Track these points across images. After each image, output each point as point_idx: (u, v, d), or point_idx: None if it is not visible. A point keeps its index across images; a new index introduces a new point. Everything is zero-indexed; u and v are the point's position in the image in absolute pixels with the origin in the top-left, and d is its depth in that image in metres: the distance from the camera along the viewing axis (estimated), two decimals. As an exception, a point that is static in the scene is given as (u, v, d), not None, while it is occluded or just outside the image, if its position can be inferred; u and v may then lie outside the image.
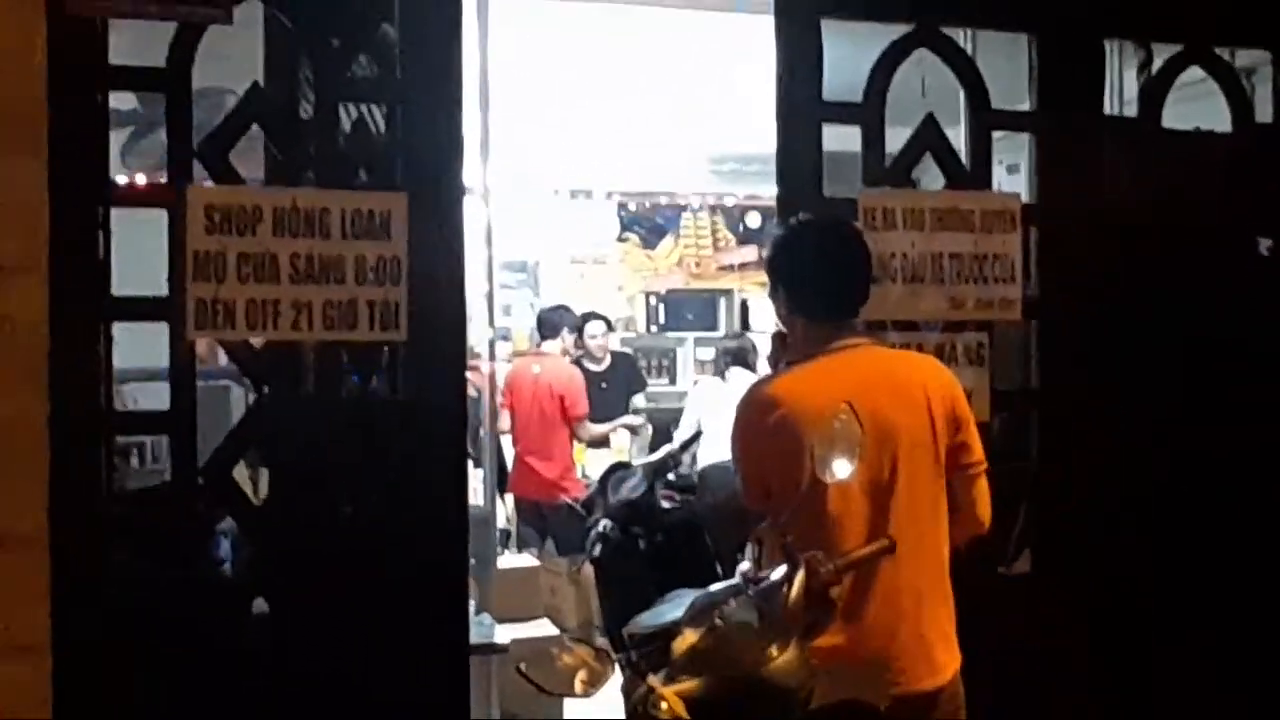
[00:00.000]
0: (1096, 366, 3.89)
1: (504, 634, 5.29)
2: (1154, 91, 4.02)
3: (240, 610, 3.28)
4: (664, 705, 2.28)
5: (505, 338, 11.68)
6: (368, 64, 3.38)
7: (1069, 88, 3.93)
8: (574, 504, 5.76)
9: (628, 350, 9.63)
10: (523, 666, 2.19)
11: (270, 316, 3.19)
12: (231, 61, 3.29)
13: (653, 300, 11.25)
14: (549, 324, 7.99)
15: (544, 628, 5.72)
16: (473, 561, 5.35)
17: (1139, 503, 3.88)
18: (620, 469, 5.47)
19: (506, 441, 7.72)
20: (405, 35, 3.37)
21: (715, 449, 5.79)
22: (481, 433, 5.98)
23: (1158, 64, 4.04)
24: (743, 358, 7.81)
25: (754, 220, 10.85)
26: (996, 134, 3.90)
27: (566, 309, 8.27)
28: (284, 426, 3.30)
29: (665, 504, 5.25)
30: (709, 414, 7.37)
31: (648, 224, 11.73)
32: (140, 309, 3.18)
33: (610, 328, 8.80)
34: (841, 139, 3.76)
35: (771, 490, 2.99)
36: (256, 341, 3.25)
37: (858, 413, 2.81)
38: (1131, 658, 3.81)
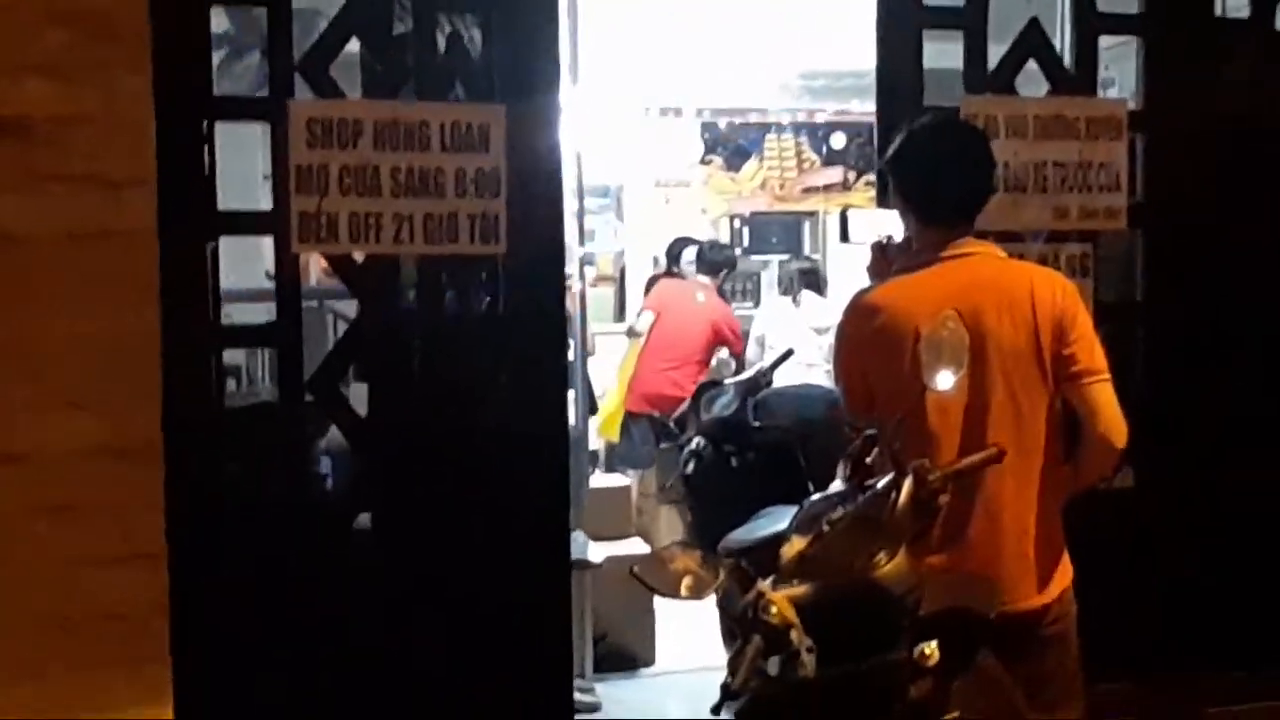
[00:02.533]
0: (1203, 277, 3.80)
1: (596, 553, 5.36)
2: (1267, -8, 3.89)
3: (345, 523, 3.33)
4: (774, 609, 2.28)
5: (589, 263, 11.70)
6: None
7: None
8: (667, 420, 5.76)
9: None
10: (635, 569, 2.21)
11: (372, 229, 3.22)
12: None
13: (736, 223, 11.15)
14: (710, 260, 7.97)
15: (634, 546, 5.77)
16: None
17: (1244, 417, 3.80)
18: (712, 387, 5.46)
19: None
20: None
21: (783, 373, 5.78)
22: (572, 354, 5.99)
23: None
24: (814, 281, 7.75)
25: (838, 141, 10.69)
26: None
27: (729, 249, 8.30)
28: (388, 341, 3.32)
29: (758, 422, 5.23)
30: (776, 336, 7.35)
31: (731, 146, 11.60)
32: (246, 223, 3.21)
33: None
34: (941, 56, 3.68)
35: (875, 400, 2.96)
36: (358, 255, 3.27)
37: (962, 320, 2.80)
38: (1234, 572, 3.75)
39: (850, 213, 3.47)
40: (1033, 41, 3.70)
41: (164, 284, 3.02)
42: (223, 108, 3.22)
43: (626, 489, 6.25)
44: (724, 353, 7.89)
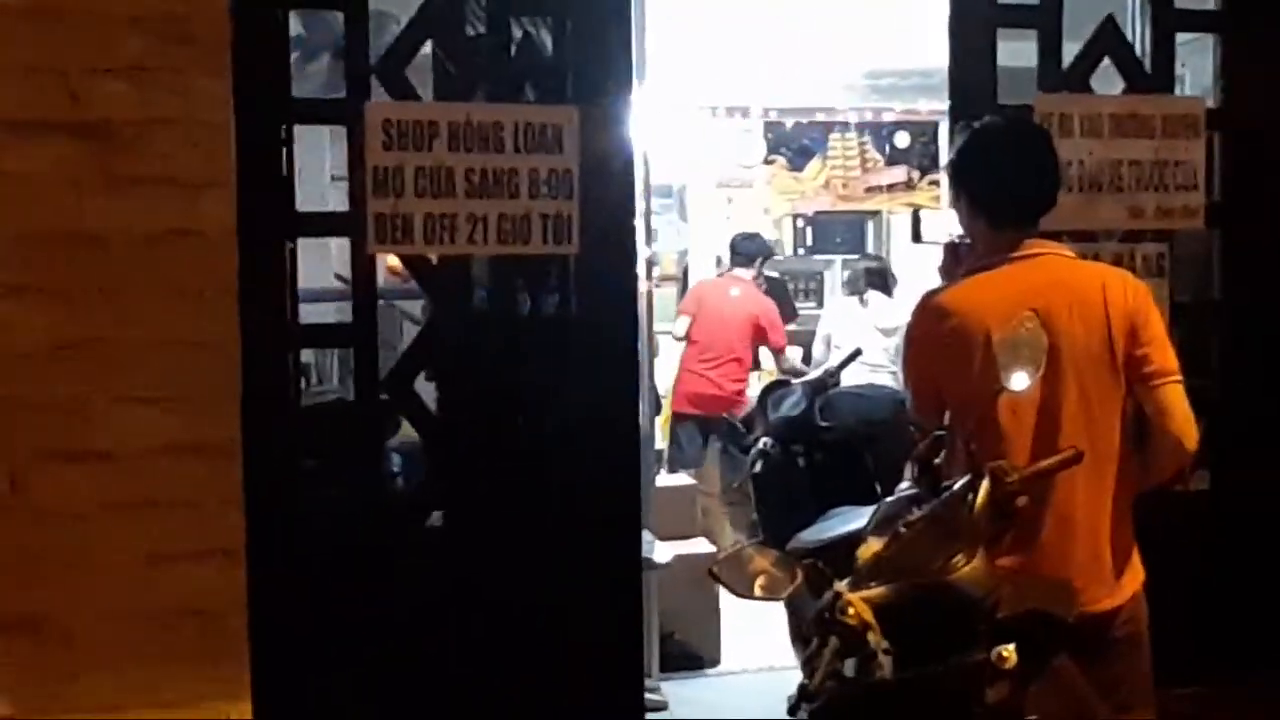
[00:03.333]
0: (1282, 276, 3.75)
1: (662, 552, 5.36)
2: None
3: (418, 521, 3.36)
4: (851, 610, 2.28)
5: (654, 263, 11.70)
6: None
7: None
8: (735, 420, 5.76)
9: (778, 275, 9.58)
10: (714, 568, 2.22)
11: (447, 230, 3.24)
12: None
13: (799, 223, 11.12)
14: (744, 251, 7.98)
15: (699, 546, 5.77)
16: (633, 479, 5.42)
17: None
18: (779, 386, 5.45)
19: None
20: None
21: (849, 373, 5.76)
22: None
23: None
24: (881, 281, 7.70)
25: (902, 140, 10.62)
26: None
27: (760, 238, 8.28)
28: (461, 341, 3.34)
29: (824, 422, 5.22)
30: (842, 336, 7.33)
31: (794, 145, 11.55)
32: (323, 224, 3.25)
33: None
34: (1015, 54, 3.66)
35: (944, 402, 2.95)
36: (433, 256, 3.30)
37: (1034, 322, 2.78)
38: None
39: (922, 213, 3.46)
40: (1108, 39, 3.66)
41: (243, 284, 3.09)
42: (301, 110, 3.26)
43: (691, 489, 6.25)
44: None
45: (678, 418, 7.58)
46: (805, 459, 5.12)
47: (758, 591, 2.26)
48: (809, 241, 10.95)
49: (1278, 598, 3.69)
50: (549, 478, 3.38)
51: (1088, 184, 3.63)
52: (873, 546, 2.52)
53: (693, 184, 11.38)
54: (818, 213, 10.82)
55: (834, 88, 9.46)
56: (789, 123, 10.96)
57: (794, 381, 5.46)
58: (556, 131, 3.30)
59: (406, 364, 3.32)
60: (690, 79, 8.87)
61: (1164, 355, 2.91)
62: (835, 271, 10.70)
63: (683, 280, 10.80)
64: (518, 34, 3.52)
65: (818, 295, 10.62)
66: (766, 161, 11.35)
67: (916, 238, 5.24)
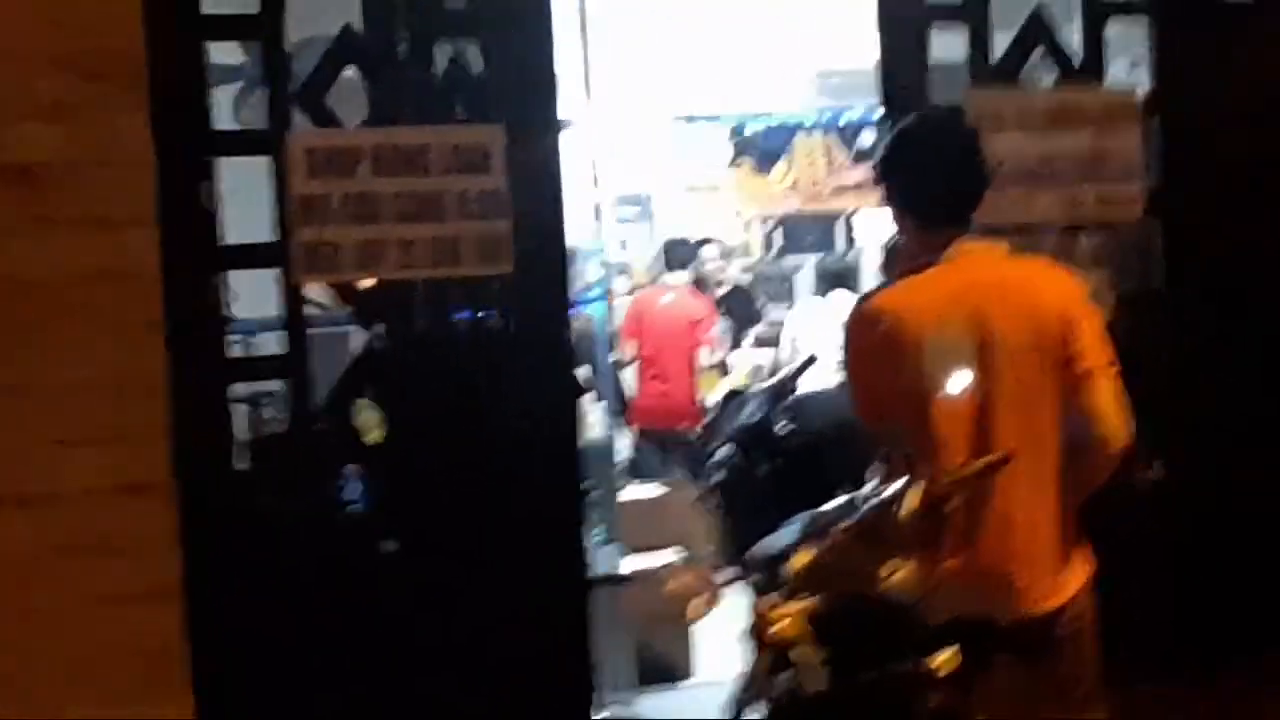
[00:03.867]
0: (1226, 264, 3.72)
1: (631, 564, 5.33)
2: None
3: (363, 550, 3.33)
4: (775, 626, 2.26)
5: (623, 272, 11.71)
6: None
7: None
8: (690, 438, 5.75)
9: (742, 284, 9.58)
10: (636, 590, 2.19)
11: (376, 256, 3.22)
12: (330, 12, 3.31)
13: (769, 225, 11.15)
14: (675, 255, 7.97)
15: (669, 557, 5.74)
16: (598, 492, 5.40)
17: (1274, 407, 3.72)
18: (737, 395, 5.42)
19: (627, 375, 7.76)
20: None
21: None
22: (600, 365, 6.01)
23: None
24: (844, 279, 7.68)
25: (867, 139, 10.65)
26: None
27: (685, 242, 8.26)
28: (396, 365, 3.31)
29: (783, 428, 5.18)
30: (805, 336, 7.31)
31: (760, 148, 11.57)
32: (250, 257, 3.22)
33: (725, 254, 8.75)
34: (947, 48, 3.65)
35: (884, 406, 2.93)
36: (365, 282, 3.27)
37: (962, 322, 2.76)
38: (1270, 566, 3.67)
39: (854, 217, 3.44)
40: (1038, 31, 3.64)
41: (171, 321, 3.07)
42: (222, 143, 3.23)
43: (658, 499, 6.23)
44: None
45: (640, 433, 7.61)
46: (767, 466, 5.09)
47: (689, 612, 2.25)
48: (779, 244, 10.97)
49: (1235, 589, 3.66)
50: (492, 496, 3.35)
51: (1024, 178, 3.60)
52: (804, 557, 2.51)
53: (659, 190, 11.39)
54: (787, 215, 10.84)
55: (791, 89, 9.49)
56: (753, 126, 10.97)
57: (750, 389, 5.43)
58: (483, 151, 3.27)
59: (340, 394, 3.29)
60: (651, 86, 8.89)
61: (1098, 352, 2.89)
62: (808, 273, 10.71)
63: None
64: (446, 56, 3.49)
65: (790, 297, 10.62)
66: (733, 165, 11.36)
67: (851, 241, 5.18)
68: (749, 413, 5.18)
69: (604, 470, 5.75)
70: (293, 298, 3.23)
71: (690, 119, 10.76)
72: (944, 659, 2.44)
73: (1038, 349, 2.85)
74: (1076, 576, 2.89)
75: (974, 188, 2.98)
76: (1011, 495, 2.81)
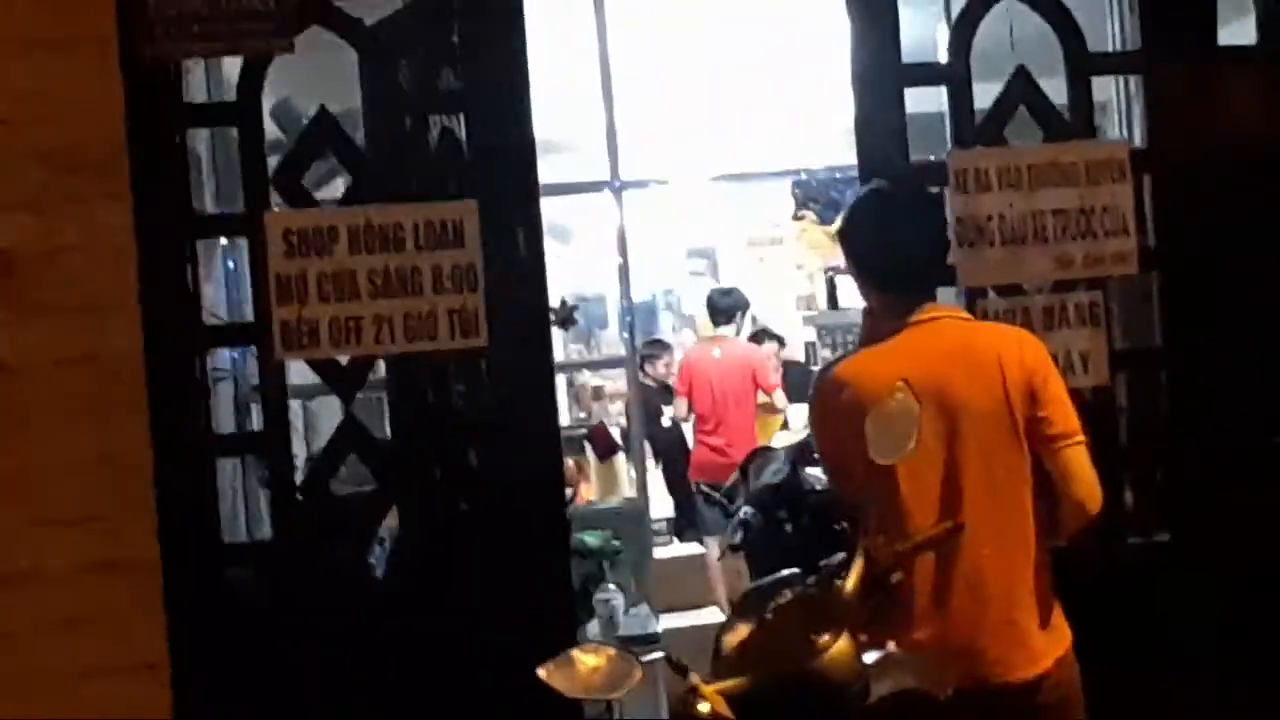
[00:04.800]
0: (1226, 316, 3.62)
1: (668, 624, 5.32)
2: (1274, 13, 3.72)
3: (354, 621, 3.36)
4: (704, 706, 2.23)
5: (690, 327, 11.76)
6: (430, 72, 3.42)
7: (1176, 20, 3.67)
8: (712, 492, 5.73)
9: (801, 361, 9.59)
10: (542, 672, 2.19)
11: (353, 332, 3.28)
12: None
13: (832, 276, 11.14)
14: (721, 308, 7.99)
15: (709, 616, 5.73)
16: (625, 554, 5.42)
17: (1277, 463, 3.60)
18: (762, 452, 5.40)
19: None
20: (465, 42, 3.40)
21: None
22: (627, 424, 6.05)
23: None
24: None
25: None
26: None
27: (737, 291, 8.27)
28: (374, 441, 3.37)
29: (814, 486, 5.15)
30: None
31: (823, 199, 11.55)
32: (231, 335, 3.30)
33: (782, 344, 8.77)
34: (930, 100, 3.63)
35: (852, 474, 2.91)
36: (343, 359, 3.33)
37: (925, 389, 2.72)
38: (1270, 623, 3.54)
39: (838, 278, 3.43)
40: (1020, 90, 3.61)
41: (153, 401, 3.15)
42: (202, 225, 3.32)
43: (699, 558, 6.22)
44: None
45: (698, 488, 7.60)
46: (792, 524, 5.05)
47: (595, 691, 2.22)
48: (841, 294, 10.93)
49: (1236, 648, 3.53)
50: (477, 576, 3.37)
51: (1011, 237, 3.56)
52: (739, 633, 2.47)
53: (723, 244, 11.43)
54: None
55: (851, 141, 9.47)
56: (816, 178, 10.94)
57: (776, 447, 5.41)
58: (457, 226, 3.32)
59: (320, 469, 3.35)
60: (712, 147, 8.95)
61: (1064, 417, 2.86)
62: (866, 322, 10.61)
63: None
64: (434, 130, 3.56)
65: (854, 347, 10.57)
66: (796, 218, 11.35)
67: (833, 303, 5.08)
68: (773, 470, 5.16)
69: (635, 530, 5.78)
70: (274, 374, 3.30)
71: (752, 176, 10.79)
72: (888, 735, 2.39)
73: (1004, 415, 2.83)
74: (1055, 644, 2.84)
75: (932, 253, 2.98)
76: (981, 562, 2.78)
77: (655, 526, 6.70)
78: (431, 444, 3.42)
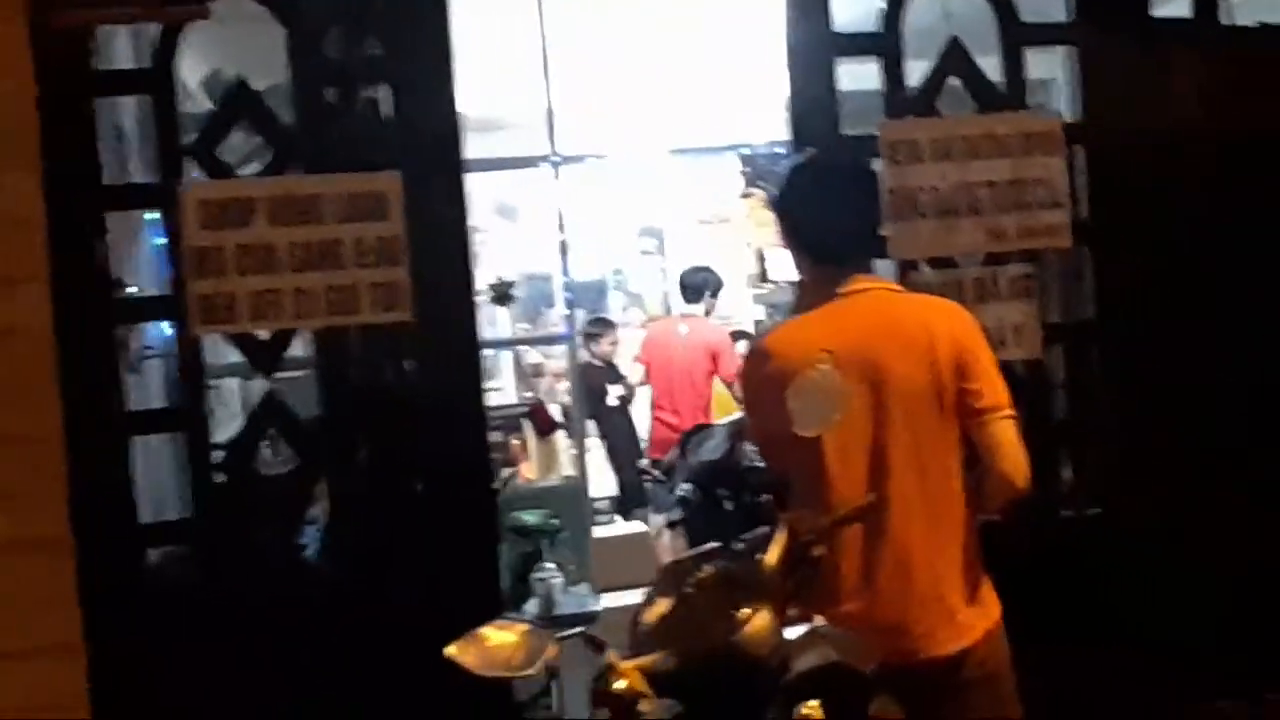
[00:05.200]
0: (1158, 292, 3.61)
1: (610, 603, 5.28)
2: (1208, -13, 3.71)
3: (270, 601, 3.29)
4: (618, 682, 2.19)
5: (639, 306, 11.69)
6: (355, 44, 3.35)
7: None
8: (650, 469, 5.69)
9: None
10: (450, 650, 2.13)
11: (272, 306, 3.20)
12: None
13: (761, 249, 11.10)
14: (691, 287, 7.91)
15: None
16: (565, 533, 5.37)
17: (1209, 438, 3.59)
18: (700, 430, 5.35)
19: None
20: (389, 12, 3.33)
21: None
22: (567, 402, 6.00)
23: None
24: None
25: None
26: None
27: (708, 270, 8.20)
28: (296, 418, 3.30)
29: (753, 462, 5.11)
30: None
31: (771, 178, 11.47)
32: (146, 309, 3.22)
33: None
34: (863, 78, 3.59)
35: (778, 444, 2.88)
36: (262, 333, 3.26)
37: (851, 361, 2.70)
38: (1201, 598, 3.54)
39: (766, 251, 3.39)
40: (953, 61, 3.57)
41: (65, 377, 3.06)
42: (115, 196, 3.23)
43: (642, 535, 6.18)
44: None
45: (653, 465, 7.54)
46: (733, 501, 5.01)
47: (507, 669, 2.17)
48: (770, 268, 10.90)
49: (1165, 622, 3.53)
50: (404, 555, 3.31)
51: (943, 209, 3.53)
52: (658, 608, 2.43)
53: (671, 223, 11.34)
54: (795, 243, 10.73)
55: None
56: (761, 155, 10.89)
57: (715, 424, 5.37)
58: (380, 198, 3.25)
59: (241, 445, 3.27)
60: (656, 122, 8.87)
61: (993, 390, 2.83)
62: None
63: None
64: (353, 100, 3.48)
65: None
66: (744, 195, 11.29)
67: (763, 276, 5.07)
68: (712, 446, 5.12)
69: (575, 509, 5.73)
70: (190, 349, 3.22)
71: (698, 151, 10.74)
72: (809, 710, 2.36)
73: (933, 388, 2.79)
74: (983, 619, 2.81)
75: (864, 225, 2.94)
76: (909, 537, 2.75)
77: (598, 505, 6.65)
78: (358, 422, 3.35)
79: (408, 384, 3.42)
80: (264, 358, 3.28)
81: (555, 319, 10.54)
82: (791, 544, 2.45)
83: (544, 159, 5.81)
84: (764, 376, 2.83)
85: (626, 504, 7.12)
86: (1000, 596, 2.83)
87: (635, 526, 6.46)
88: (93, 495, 3.07)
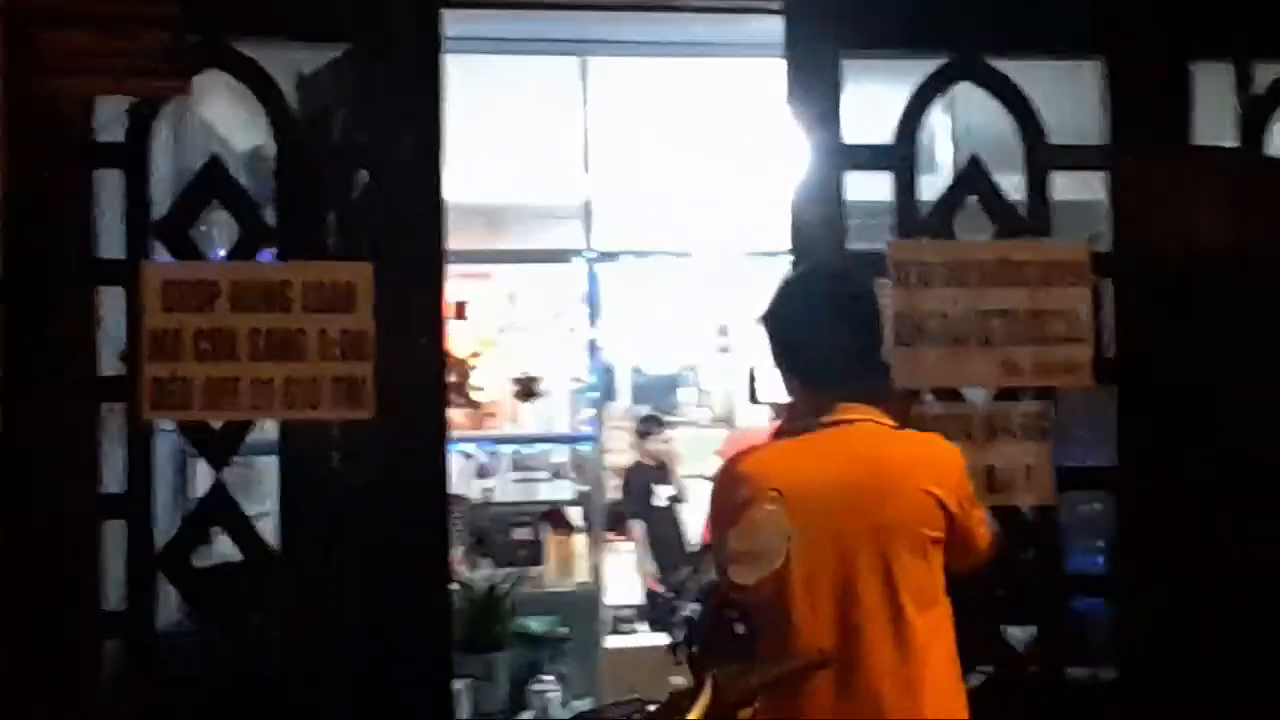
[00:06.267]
0: (1191, 440, 3.31)
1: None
2: (1256, 116, 3.45)
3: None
4: None
5: (707, 405, 11.46)
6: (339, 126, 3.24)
7: (1149, 117, 3.40)
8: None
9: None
10: None
11: (229, 394, 3.06)
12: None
13: (752, 368, 10.89)
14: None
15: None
16: (572, 642, 5.14)
17: (1245, 600, 3.27)
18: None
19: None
20: (377, 94, 3.21)
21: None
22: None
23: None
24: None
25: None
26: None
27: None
28: (242, 513, 3.14)
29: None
30: None
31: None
32: (96, 390, 3.09)
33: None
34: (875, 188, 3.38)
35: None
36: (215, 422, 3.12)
37: (825, 497, 2.50)
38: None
39: (757, 371, 3.17)
40: (972, 179, 3.35)
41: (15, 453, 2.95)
42: (79, 271, 3.12)
43: (655, 649, 5.92)
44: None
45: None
46: (744, 624, 4.75)
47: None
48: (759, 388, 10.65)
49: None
50: (354, 660, 3.13)
51: (954, 337, 3.29)
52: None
53: (736, 323, 11.10)
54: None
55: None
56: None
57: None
58: (349, 289, 3.11)
59: (183, 535, 3.12)
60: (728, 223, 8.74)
61: (980, 536, 2.66)
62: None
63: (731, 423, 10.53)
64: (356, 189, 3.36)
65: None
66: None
67: (753, 398, 4.85)
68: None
69: (587, 617, 5.50)
70: (140, 434, 3.08)
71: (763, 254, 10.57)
72: None
73: (914, 533, 2.56)
74: None
75: (858, 349, 2.69)
76: (882, 698, 2.49)
77: (621, 614, 6.39)
78: (315, 517, 3.18)
79: (368, 480, 3.24)
80: (216, 447, 3.13)
81: (618, 412, 10.37)
82: (716, 706, 2.22)
83: (578, 253, 5.66)
84: (736, 503, 2.61)
85: (656, 613, 6.85)
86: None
87: (658, 638, 6.18)
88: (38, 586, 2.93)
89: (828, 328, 2.65)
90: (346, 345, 3.11)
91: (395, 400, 3.13)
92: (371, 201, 3.25)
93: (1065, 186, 3.47)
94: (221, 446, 3.14)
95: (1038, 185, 3.38)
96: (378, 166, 3.24)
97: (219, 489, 3.14)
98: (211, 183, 3.16)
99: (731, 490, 2.63)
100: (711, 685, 2.24)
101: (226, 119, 4.43)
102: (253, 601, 3.20)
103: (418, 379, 3.19)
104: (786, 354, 2.71)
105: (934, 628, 2.55)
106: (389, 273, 3.16)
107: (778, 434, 2.79)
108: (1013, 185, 3.41)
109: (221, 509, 3.14)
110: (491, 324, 9.02)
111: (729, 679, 2.26)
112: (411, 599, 3.16)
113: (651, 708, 2.39)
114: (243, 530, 3.14)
